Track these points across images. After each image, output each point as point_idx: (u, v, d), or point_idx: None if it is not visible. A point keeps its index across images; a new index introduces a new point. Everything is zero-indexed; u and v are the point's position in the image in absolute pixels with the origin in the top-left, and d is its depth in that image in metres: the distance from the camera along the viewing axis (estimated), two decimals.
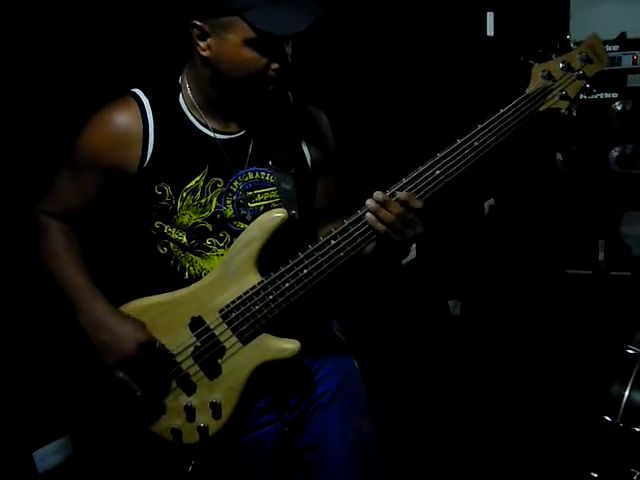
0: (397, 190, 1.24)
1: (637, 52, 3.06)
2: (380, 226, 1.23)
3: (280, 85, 1.26)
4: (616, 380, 1.76)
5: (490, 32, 3.04)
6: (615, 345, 1.87)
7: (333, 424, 1.45)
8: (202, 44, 1.22)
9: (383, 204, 1.22)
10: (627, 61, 3.09)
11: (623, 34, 3.07)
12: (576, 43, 1.31)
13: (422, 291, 2.94)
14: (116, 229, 1.48)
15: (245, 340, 1.30)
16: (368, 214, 1.23)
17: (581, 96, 3.26)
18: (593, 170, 3.17)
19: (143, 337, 1.30)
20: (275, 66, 1.22)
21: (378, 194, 1.23)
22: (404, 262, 2.76)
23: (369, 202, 1.23)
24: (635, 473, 1.70)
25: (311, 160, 1.40)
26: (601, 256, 3.24)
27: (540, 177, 3.25)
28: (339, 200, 1.51)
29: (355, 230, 1.25)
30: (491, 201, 3.26)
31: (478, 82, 2.99)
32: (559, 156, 3.19)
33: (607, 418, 1.73)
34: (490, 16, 3.07)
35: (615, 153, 3.12)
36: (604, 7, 3.34)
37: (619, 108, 3.10)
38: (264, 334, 1.29)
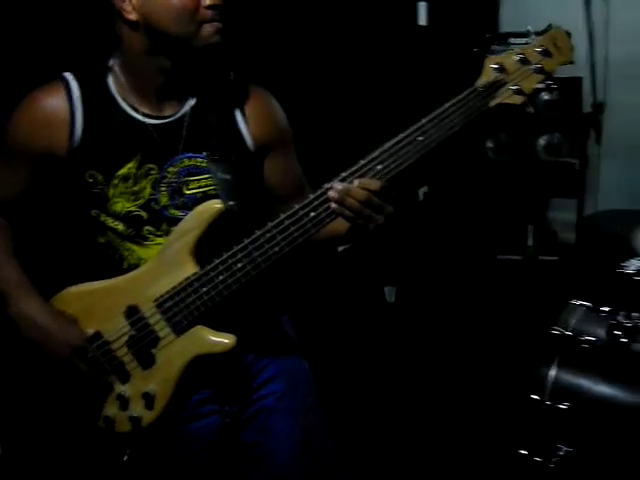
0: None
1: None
2: (349, 214, 1.19)
3: (218, 25, 1.23)
4: (543, 360, 1.82)
5: (423, 21, 3.07)
6: (543, 327, 1.94)
7: (280, 426, 1.45)
8: (127, 7, 1.20)
9: (347, 193, 1.18)
10: None
11: (549, 26, 3.16)
12: (538, 34, 1.23)
13: (358, 278, 2.97)
14: (54, 219, 1.45)
15: (179, 331, 1.28)
16: (334, 205, 1.19)
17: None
18: (522, 158, 3.25)
19: (75, 339, 1.28)
20: (207, 2, 1.19)
21: (337, 184, 1.19)
22: (339, 250, 2.77)
23: (331, 193, 1.19)
24: (561, 448, 1.77)
25: (254, 145, 1.36)
26: (530, 242, 3.34)
27: (471, 165, 3.31)
28: (303, 180, 1.46)
29: (291, 224, 1.22)
30: (425, 188, 3.31)
31: (412, 72, 3.01)
32: (489, 144, 3.26)
33: (535, 397, 1.79)
34: (423, 5, 3.10)
35: (543, 142, 3.22)
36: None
37: (546, 98, 3.18)
38: (199, 326, 1.28)
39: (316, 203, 1.22)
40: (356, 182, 1.18)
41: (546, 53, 1.20)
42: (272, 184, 1.41)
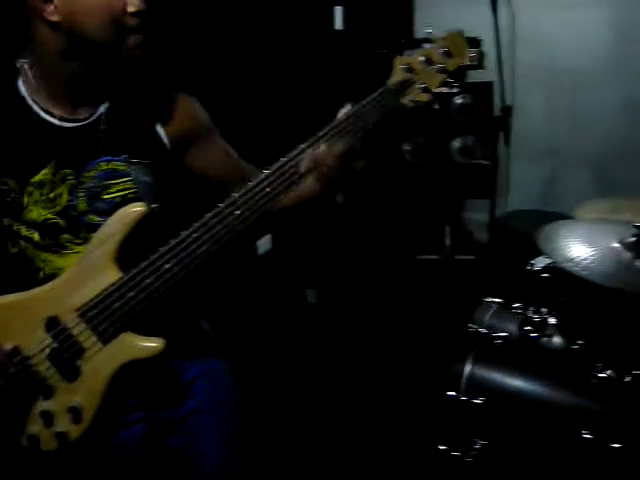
0: None
1: (474, 49, 3.24)
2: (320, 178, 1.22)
3: (141, 37, 1.22)
4: (458, 356, 1.88)
5: (339, 25, 3.11)
6: (460, 324, 1.99)
7: (205, 427, 1.43)
8: (48, 9, 1.16)
9: (315, 160, 1.21)
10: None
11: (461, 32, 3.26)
12: (443, 38, 1.31)
13: (280, 281, 2.97)
14: None
15: (106, 340, 1.24)
16: (304, 169, 1.22)
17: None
18: (438, 160, 3.34)
19: None
20: (132, 9, 1.18)
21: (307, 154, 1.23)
22: (260, 252, 2.77)
23: (305, 163, 1.22)
24: (477, 442, 1.82)
25: (170, 143, 1.34)
26: (447, 242, 3.43)
27: (389, 168, 3.37)
28: (241, 163, 1.46)
29: (217, 223, 1.22)
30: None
31: (328, 74, 3.04)
32: (406, 147, 3.34)
33: (451, 393, 1.84)
34: (339, 10, 3.14)
35: (457, 144, 3.31)
36: (446, 7, 3.53)
37: (459, 102, 3.28)
38: (126, 333, 1.25)
39: (241, 202, 1.23)
40: (323, 147, 1.22)
41: (448, 54, 1.29)
42: (208, 174, 1.40)
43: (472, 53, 3.23)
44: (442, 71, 1.28)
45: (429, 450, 1.88)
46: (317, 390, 2.70)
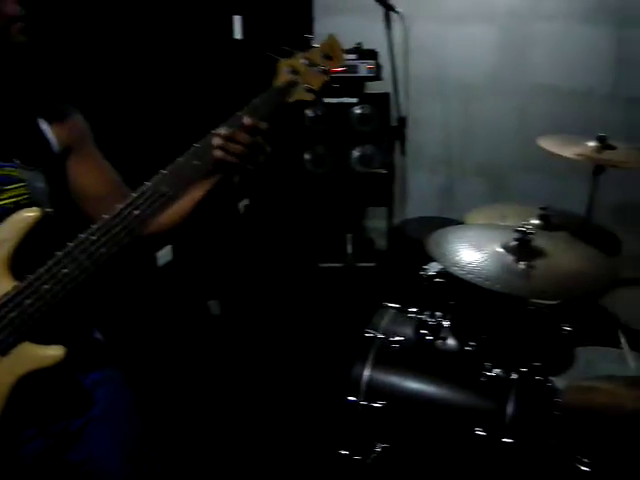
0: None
1: (372, 61, 3.32)
2: (231, 158, 1.26)
3: (23, 24, 1.21)
4: (357, 362, 1.91)
5: (238, 35, 3.11)
6: (361, 330, 2.02)
7: (103, 438, 1.40)
8: None
9: (231, 138, 1.25)
10: (363, 69, 3.34)
11: (359, 44, 3.34)
12: (322, 44, 1.43)
13: (181, 293, 2.93)
14: None
15: (4, 350, 1.19)
16: (217, 151, 1.25)
17: (326, 100, 3.43)
18: (338, 169, 3.39)
19: None
20: None
21: (222, 129, 1.26)
22: (160, 264, 2.72)
23: (216, 140, 1.25)
24: (376, 444, 1.85)
25: (58, 148, 1.33)
26: (349, 249, 3.48)
27: (291, 177, 3.40)
28: (118, 178, 1.45)
29: (116, 224, 1.21)
30: (246, 201, 3.34)
31: (227, 82, 3.03)
32: (307, 156, 3.37)
33: (351, 398, 1.87)
34: (238, 19, 3.14)
35: (357, 153, 3.37)
36: (343, 19, 3.60)
37: (359, 112, 3.35)
38: (25, 342, 1.20)
39: (139, 202, 1.23)
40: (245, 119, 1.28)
41: (327, 57, 1.41)
42: (85, 185, 1.39)
43: (371, 65, 3.33)
44: (324, 72, 1.40)
45: (331, 455, 1.91)
46: (222, 400, 2.67)
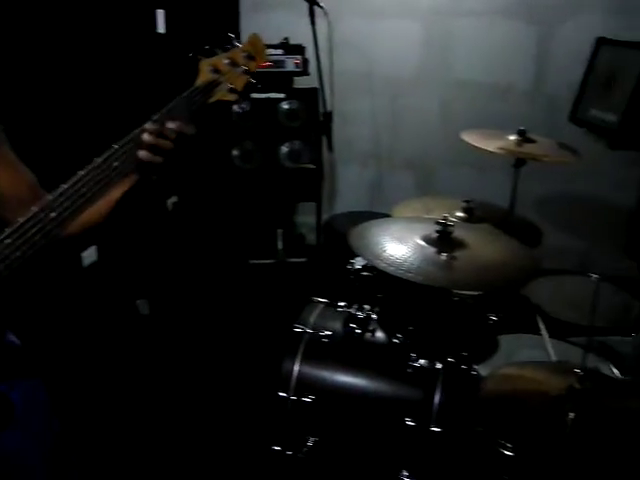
0: None
1: (299, 56, 3.32)
2: (153, 159, 1.27)
3: None
4: (287, 357, 1.90)
5: (161, 29, 3.05)
6: (291, 325, 2.02)
7: (21, 437, 1.35)
8: None
9: (153, 139, 1.26)
10: (290, 64, 3.33)
11: (286, 39, 3.33)
12: (245, 43, 1.40)
13: (108, 293, 2.85)
14: None
15: None
16: (141, 152, 1.25)
17: (253, 95, 3.41)
18: (267, 165, 3.38)
19: None
20: None
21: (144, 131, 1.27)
22: (85, 264, 2.65)
23: (139, 140, 1.25)
24: (309, 439, 1.85)
25: None
26: (280, 245, 3.47)
27: (219, 173, 3.36)
28: (34, 181, 1.41)
29: (32, 227, 1.19)
30: (174, 199, 3.29)
31: (150, 77, 2.97)
32: (235, 152, 3.34)
33: (281, 394, 1.86)
34: (161, 13, 3.08)
35: (285, 149, 3.37)
36: (270, 13, 3.59)
37: (286, 107, 3.34)
38: None
39: (56, 204, 1.21)
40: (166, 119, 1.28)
41: (250, 57, 1.39)
42: (0, 187, 1.34)
43: (298, 60, 3.33)
44: (246, 72, 1.38)
45: (263, 451, 1.90)
46: (153, 399, 2.63)
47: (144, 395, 2.66)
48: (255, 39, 1.39)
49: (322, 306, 2.07)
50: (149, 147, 1.27)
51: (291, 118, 3.35)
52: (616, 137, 3.10)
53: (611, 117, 3.02)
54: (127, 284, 2.99)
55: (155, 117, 1.30)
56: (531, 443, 1.52)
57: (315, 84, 3.33)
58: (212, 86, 1.36)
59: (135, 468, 2.32)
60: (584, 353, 1.50)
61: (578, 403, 1.44)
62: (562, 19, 3.46)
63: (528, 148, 2.42)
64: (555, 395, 1.48)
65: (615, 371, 1.92)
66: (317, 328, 1.94)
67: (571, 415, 1.42)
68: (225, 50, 1.39)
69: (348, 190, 3.86)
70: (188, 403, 2.64)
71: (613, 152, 3.44)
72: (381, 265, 1.66)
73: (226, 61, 1.37)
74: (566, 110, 3.30)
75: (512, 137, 2.47)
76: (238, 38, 1.40)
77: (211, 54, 1.37)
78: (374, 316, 1.94)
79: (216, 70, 1.36)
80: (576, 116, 3.21)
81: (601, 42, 3.23)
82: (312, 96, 3.36)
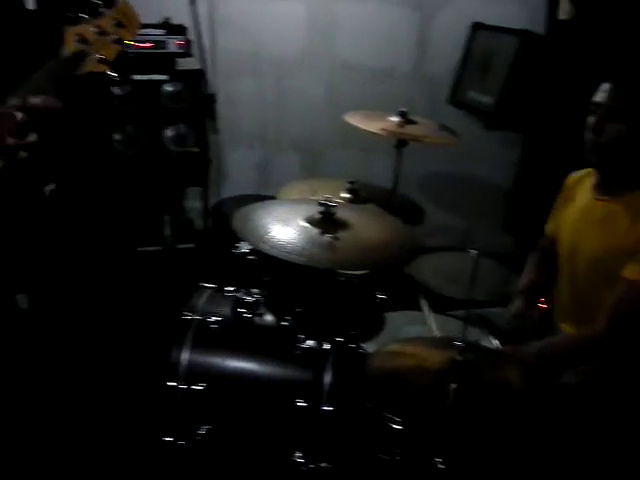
0: None
1: (181, 37, 3.22)
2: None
3: None
4: (175, 345, 1.86)
5: (30, 5, 2.87)
6: (180, 313, 1.97)
7: None
8: None
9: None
10: (172, 45, 3.23)
11: (167, 19, 3.22)
12: (113, 10, 1.33)
13: None
14: None
15: None
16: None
17: (134, 77, 3.27)
18: (152, 149, 3.27)
19: None
20: None
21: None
22: None
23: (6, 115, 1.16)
24: (201, 427, 1.83)
25: None
26: (167, 231, 3.39)
27: (100, 159, 3.22)
28: None
29: None
30: (52, 186, 3.12)
31: (19, 55, 2.79)
32: (117, 137, 3.21)
33: (170, 383, 1.82)
34: None
35: (170, 132, 3.27)
36: None
37: (170, 89, 3.24)
38: None
39: None
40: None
41: (119, 24, 1.33)
42: None
43: (181, 41, 3.23)
44: (117, 42, 1.32)
45: (155, 443, 1.85)
46: (38, 393, 2.50)
47: (27, 391, 2.53)
48: (125, 6, 1.33)
49: (210, 292, 2.04)
50: (12, 127, 1.18)
51: (175, 100, 3.25)
52: (493, 119, 3.25)
53: (488, 99, 3.15)
54: (4, 278, 2.82)
55: (15, 93, 1.21)
56: (417, 416, 1.57)
57: (199, 65, 3.26)
58: (79, 57, 1.29)
59: (17, 464, 2.21)
60: (464, 326, 1.56)
61: (459, 374, 1.50)
62: (441, 5, 3.56)
63: (409, 129, 2.48)
64: (437, 368, 1.54)
65: (495, 342, 2.01)
66: (205, 314, 1.91)
67: (453, 386, 1.48)
68: (91, 17, 1.32)
69: (236, 173, 3.82)
70: (75, 396, 2.53)
71: (491, 133, 3.61)
72: (264, 248, 1.65)
73: (93, 29, 1.30)
74: (446, 93, 3.41)
75: (394, 119, 2.53)
76: (108, 4, 1.33)
77: (75, 22, 1.29)
78: (262, 300, 1.93)
79: (83, 40, 1.29)
80: (455, 99, 3.32)
81: (477, 27, 3.36)
82: (196, 78, 3.27)
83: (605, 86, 1.86)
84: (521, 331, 2.07)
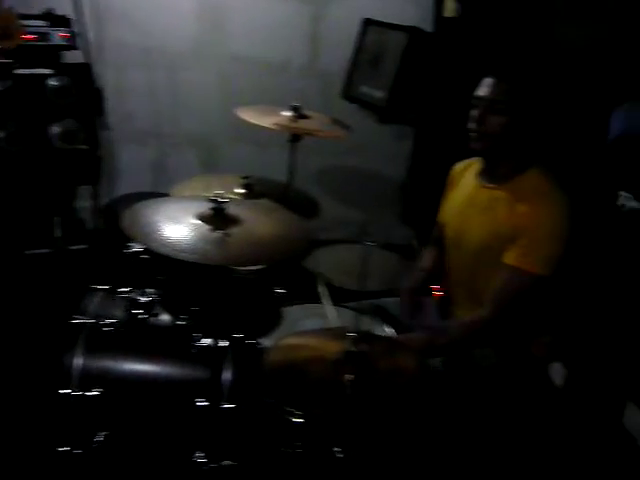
0: None
1: (65, 29, 3.09)
2: None
3: None
4: (67, 351, 1.79)
5: None
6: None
7: None
8: None
9: None
10: (57, 38, 3.09)
11: (50, 10, 3.08)
12: None
13: None
14: None
15: None
16: None
17: (16, 71, 3.11)
18: (37, 147, 3.12)
19: None
20: None
21: None
22: None
23: None
24: (99, 434, 1.77)
25: None
26: (58, 233, 3.24)
27: None
28: None
29: None
30: None
31: None
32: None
33: (64, 391, 1.75)
34: None
35: (57, 129, 3.12)
36: None
37: (55, 84, 3.10)
38: None
39: None
40: None
41: (5, 35, 1.21)
42: None
43: (65, 33, 3.09)
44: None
45: (49, 454, 1.78)
46: None
47: None
48: (9, 14, 1.24)
49: (103, 294, 1.98)
50: None
51: (61, 96, 3.11)
52: (385, 113, 3.32)
53: (379, 94, 3.21)
54: None
55: None
56: (316, 408, 1.58)
57: (85, 58, 3.14)
58: None
59: None
60: (357, 317, 1.59)
61: (354, 365, 1.53)
62: (332, 0, 3.59)
63: (302, 124, 2.49)
64: (333, 359, 1.56)
65: (390, 330, 2.06)
66: (98, 317, 1.86)
67: (349, 377, 1.50)
68: None
69: (130, 170, 3.71)
70: None
71: (385, 126, 3.69)
72: (154, 246, 1.62)
73: None
74: (339, 87, 3.45)
75: (287, 113, 2.53)
76: None
77: None
78: (158, 299, 1.89)
79: None
80: (348, 93, 3.37)
81: (367, 23, 3.42)
82: (83, 71, 3.15)
83: (487, 81, 1.94)
84: (415, 319, 2.13)
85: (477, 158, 2.11)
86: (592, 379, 2.08)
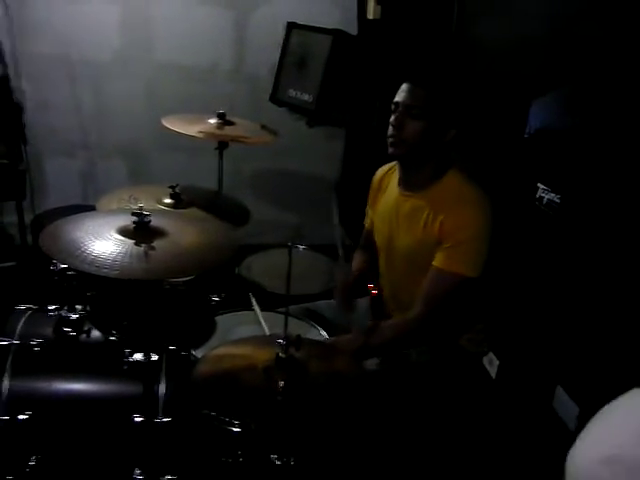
0: None
1: None
2: None
3: None
4: None
5: None
6: None
7: None
8: None
9: None
10: None
11: None
12: None
13: None
14: None
15: None
16: None
17: None
18: None
19: None
20: None
21: None
22: None
23: None
24: (30, 458, 1.72)
25: None
26: None
27: None
28: None
29: None
30: None
31: None
32: None
33: None
34: None
35: None
36: None
37: None
38: None
39: None
40: None
41: None
42: None
43: None
44: None
45: None
46: None
47: None
48: None
49: (30, 313, 1.93)
50: None
51: None
52: (314, 115, 3.33)
53: (307, 97, 3.22)
54: None
55: None
56: (251, 416, 1.58)
57: (2, 71, 3.05)
58: None
59: None
60: (288, 322, 1.59)
61: (285, 371, 1.53)
62: (256, 4, 3.59)
63: (228, 130, 2.48)
64: (264, 366, 1.56)
65: (323, 333, 2.07)
66: (25, 337, 1.80)
67: (281, 383, 1.50)
68: None
69: (58, 183, 3.62)
70: None
71: (316, 128, 3.70)
72: (74, 263, 1.58)
73: None
74: (268, 91, 3.45)
75: (212, 120, 2.52)
76: None
77: None
78: (87, 316, 1.85)
79: None
80: (276, 97, 3.36)
81: (291, 27, 3.42)
82: (3, 85, 3.06)
83: (404, 86, 1.95)
84: (349, 320, 2.15)
85: (396, 163, 2.12)
86: (522, 367, 2.14)
